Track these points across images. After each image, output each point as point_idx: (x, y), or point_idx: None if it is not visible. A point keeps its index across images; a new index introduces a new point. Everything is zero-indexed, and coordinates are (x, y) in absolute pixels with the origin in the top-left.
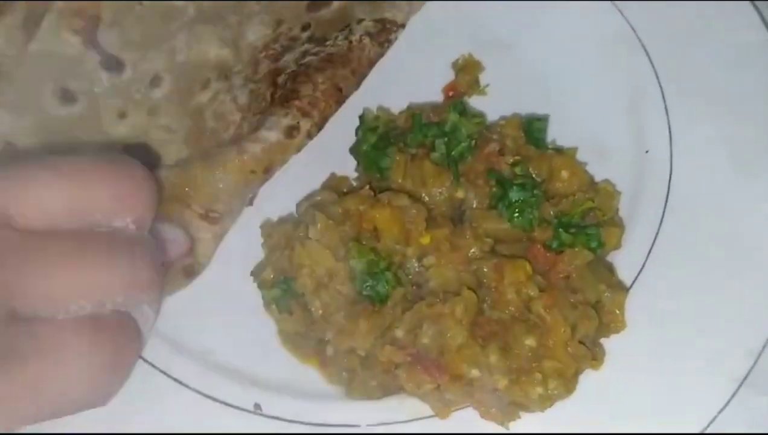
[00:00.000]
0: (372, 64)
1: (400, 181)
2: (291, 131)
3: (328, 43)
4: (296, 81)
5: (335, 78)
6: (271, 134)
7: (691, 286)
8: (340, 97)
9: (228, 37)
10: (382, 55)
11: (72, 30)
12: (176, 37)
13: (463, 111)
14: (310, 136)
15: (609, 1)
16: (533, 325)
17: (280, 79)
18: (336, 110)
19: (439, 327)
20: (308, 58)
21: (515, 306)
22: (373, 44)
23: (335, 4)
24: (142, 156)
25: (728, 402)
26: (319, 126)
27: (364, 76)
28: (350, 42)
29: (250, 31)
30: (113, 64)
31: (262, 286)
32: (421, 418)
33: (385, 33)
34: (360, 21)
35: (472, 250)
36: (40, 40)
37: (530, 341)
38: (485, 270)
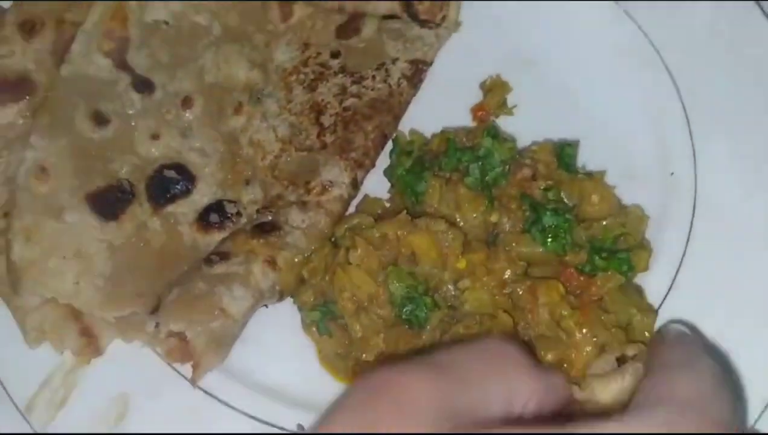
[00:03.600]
0: (407, 105)
1: (435, 205)
2: (354, 184)
3: (365, 83)
4: (347, 129)
5: (382, 126)
6: (342, 190)
7: (718, 306)
8: (384, 143)
9: (256, 58)
10: (414, 95)
11: (102, 52)
12: (203, 56)
13: (496, 135)
14: (361, 183)
15: (634, 25)
16: (557, 340)
17: (325, 120)
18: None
19: None
20: (351, 101)
21: (547, 325)
22: (410, 87)
23: (365, 33)
24: (180, 175)
25: (756, 421)
26: (367, 173)
27: (400, 118)
28: (390, 86)
29: (278, 52)
30: (144, 86)
31: (302, 308)
32: None
33: (418, 74)
34: (394, 60)
35: (507, 274)
36: (71, 62)
37: (550, 356)
38: (519, 292)
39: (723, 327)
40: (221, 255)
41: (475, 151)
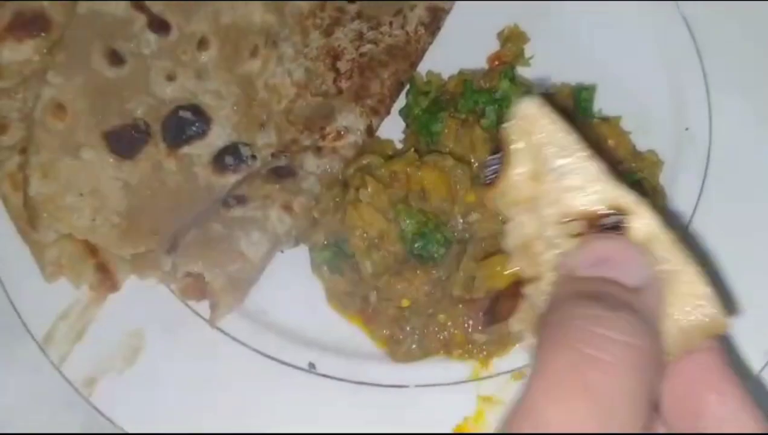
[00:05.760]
0: (424, 52)
1: (450, 146)
2: (369, 131)
3: (382, 29)
4: (363, 76)
5: (398, 73)
6: (357, 137)
7: (729, 257)
8: (400, 90)
9: (271, 1)
10: (431, 43)
11: None
12: None
13: (513, 78)
14: (376, 131)
15: None
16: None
17: (342, 66)
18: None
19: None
20: (368, 47)
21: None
22: (427, 34)
23: None
24: (195, 117)
25: (759, 373)
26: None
27: (417, 66)
28: (407, 33)
29: None
30: (160, 26)
31: (313, 248)
32: (467, 381)
33: (436, 21)
34: (412, 7)
35: None
36: (87, 1)
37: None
38: None
39: (733, 279)
40: (238, 198)
41: (492, 93)
